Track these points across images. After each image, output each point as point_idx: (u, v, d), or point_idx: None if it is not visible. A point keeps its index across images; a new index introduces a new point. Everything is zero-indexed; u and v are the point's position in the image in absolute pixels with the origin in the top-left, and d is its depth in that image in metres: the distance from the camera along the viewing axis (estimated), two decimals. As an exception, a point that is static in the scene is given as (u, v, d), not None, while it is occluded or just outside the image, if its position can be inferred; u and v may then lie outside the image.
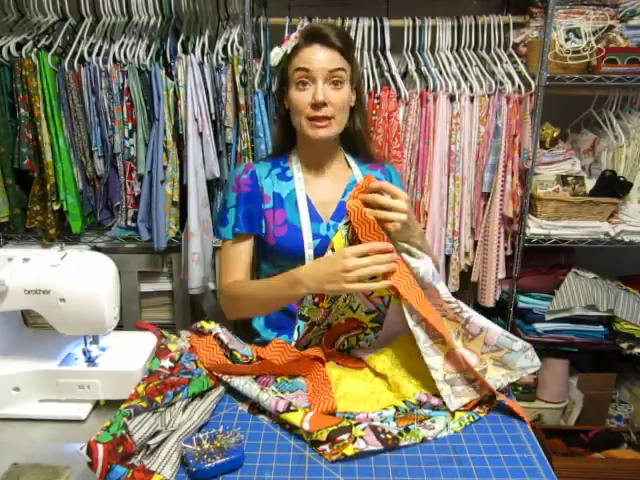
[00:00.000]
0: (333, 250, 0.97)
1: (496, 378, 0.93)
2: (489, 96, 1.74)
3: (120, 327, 0.99)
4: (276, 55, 1.17)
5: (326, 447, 0.81)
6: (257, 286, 1.15)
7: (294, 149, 1.27)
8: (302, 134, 1.18)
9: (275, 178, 1.23)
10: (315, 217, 1.19)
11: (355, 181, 1.25)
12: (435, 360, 0.94)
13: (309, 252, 1.16)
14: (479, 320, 0.94)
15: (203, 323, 1.05)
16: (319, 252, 1.16)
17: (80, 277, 0.90)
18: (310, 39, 1.13)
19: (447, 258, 1.87)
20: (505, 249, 1.88)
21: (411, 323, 0.94)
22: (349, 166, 1.28)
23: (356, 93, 1.21)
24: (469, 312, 0.95)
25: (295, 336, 1.00)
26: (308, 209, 1.19)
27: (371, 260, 0.90)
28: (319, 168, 1.25)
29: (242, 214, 1.20)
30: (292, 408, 0.86)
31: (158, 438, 0.79)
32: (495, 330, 0.93)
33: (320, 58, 1.12)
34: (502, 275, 1.88)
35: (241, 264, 1.21)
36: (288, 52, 1.15)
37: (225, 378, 0.95)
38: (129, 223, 1.83)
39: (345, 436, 0.81)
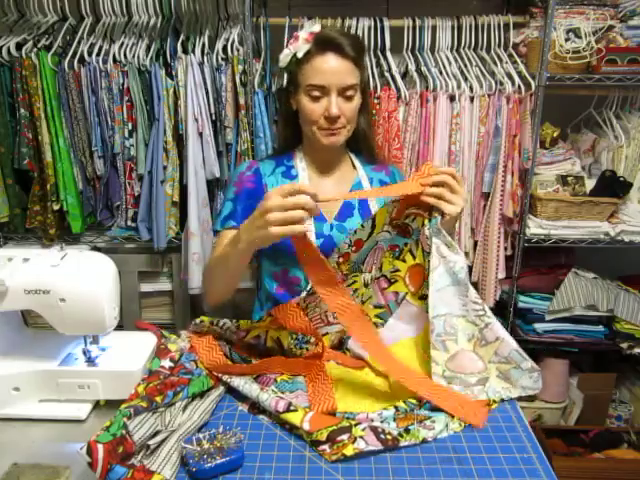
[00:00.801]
0: (374, 221, 0.99)
1: (496, 389, 0.93)
2: (489, 96, 1.74)
3: (120, 327, 0.99)
4: (286, 56, 1.16)
5: (326, 447, 0.81)
6: (217, 253, 1.12)
7: (298, 148, 1.26)
8: (313, 140, 1.18)
9: (279, 176, 1.23)
10: (319, 217, 1.18)
11: (360, 181, 1.25)
12: (440, 354, 0.94)
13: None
14: (498, 328, 0.94)
15: (203, 317, 1.05)
16: (323, 252, 1.16)
17: (80, 277, 0.90)
18: (323, 48, 1.11)
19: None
20: (505, 249, 1.88)
21: (432, 314, 0.93)
22: (354, 166, 1.28)
23: (362, 93, 1.19)
24: (491, 319, 0.94)
25: (309, 287, 0.99)
26: None
27: (294, 200, 0.83)
28: (325, 168, 1.25)
29: (242, 209, 1.19)
30: (292, 408, 0.85)
31: (158, 438, 0.78)
32: (510, 343, 0.93)
33: (334, 70, 1.10)
34: (502, 275, 1.87)
35: None
36: (299, 56, 1.13)
37: (225, 378, 0.95)
38: (129, 223, 1.83)
39: (345, 436, 0.81)
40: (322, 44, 1.11)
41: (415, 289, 1.03)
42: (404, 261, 1.03)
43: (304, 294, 1.00)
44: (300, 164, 1.23)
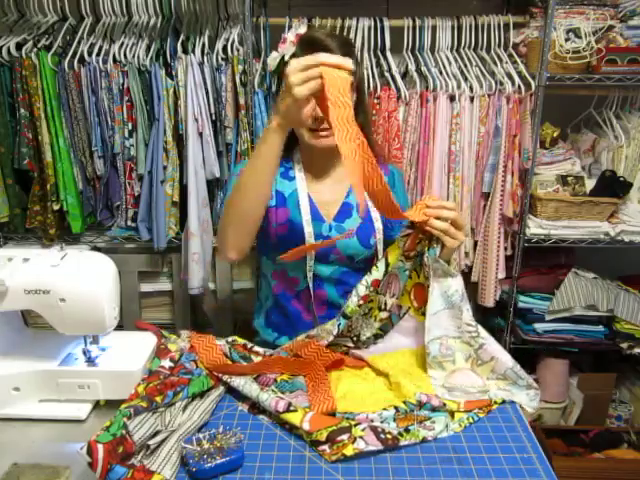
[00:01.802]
0: (387, 260, 1.00)
1: (497, 394, 0.94)
2: (489, 96, 1.74)
3: (120, 327, 0.99)
4: (273, 60, 1.15)
5: (326, 447, 0.81)
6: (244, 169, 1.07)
7: (297, 149, 1.25)
8: (305, 142, 1.17)
9: (278, 176, 1.23)
10: (317, 217, 1.18)
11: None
12: (438, 373, 0.96)
13: (310, 252, 1.16)
14: (492, 348, 0.95)
15: (237, 338, 1.06)
16: (321, 252, 1.16)
17: (80, 277, 0.90)
18: (309, 50, 1.07)
19: (447, 258, 1.87)
20: (505, 249, 1.88)
21: (427, 338, 0.96)
22: None
23: (357, 91, 1.18)
24: (485, 339, 0.95)
25: (335, 332, 1.02)
26: (310, 209, 1.18)
27: (312, 60, 0.84)
28: (321, 169, 1.24)
29: None
30: (292, 408, 0.85)
31: (158, 438, 0.78)
32: (505, 362, 0.94)
33: None
34: (502, 275, 1.88)
35: None
36: (286, 59, 1.13)
37: (225, 378, 0.95)
38: (129, 223, 1.83)
39: (345, 436, 0.81)
40: (307, 45, 1.10)
41: (418, 305, 1.04)
42: (410, 277, 1.04)
43: (331, 338, 1.02)
44: (297, 165, 1.23)
